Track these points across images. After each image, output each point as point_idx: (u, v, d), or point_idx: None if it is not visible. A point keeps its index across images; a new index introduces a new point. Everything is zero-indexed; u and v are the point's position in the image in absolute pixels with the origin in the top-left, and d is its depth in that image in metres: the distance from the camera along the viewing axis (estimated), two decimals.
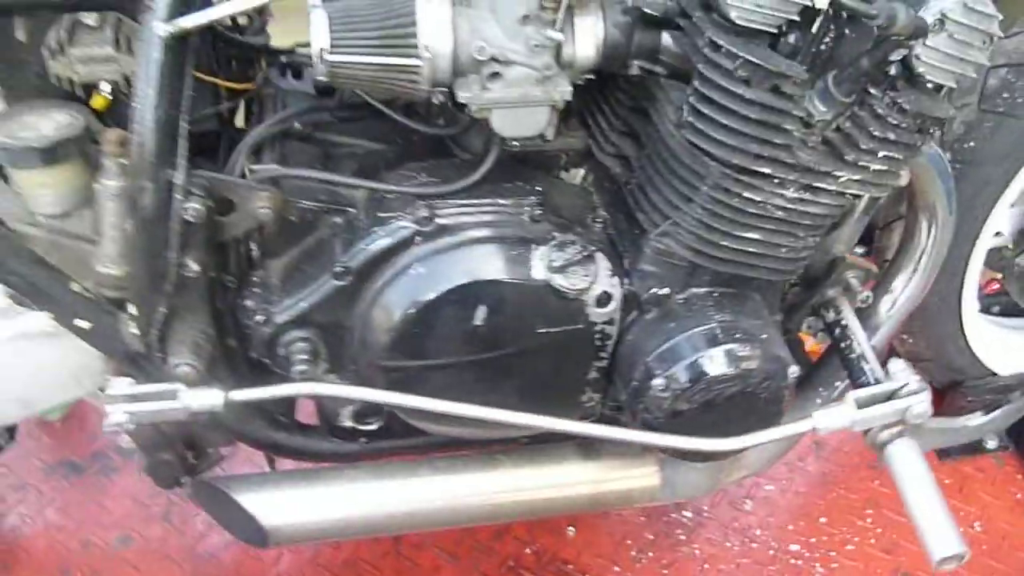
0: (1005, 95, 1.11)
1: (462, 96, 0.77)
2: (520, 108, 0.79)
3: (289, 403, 1.02)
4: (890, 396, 0.92)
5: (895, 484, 0.92)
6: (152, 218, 0.77)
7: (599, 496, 1.02)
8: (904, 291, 1.07)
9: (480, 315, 0.83)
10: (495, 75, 0.77)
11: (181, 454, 0.93)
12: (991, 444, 1.52)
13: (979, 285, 1.34)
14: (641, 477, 1.02)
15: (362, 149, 0.91)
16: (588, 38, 0.79)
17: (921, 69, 0.75)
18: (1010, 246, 1.34)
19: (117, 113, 0.85)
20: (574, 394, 0.92)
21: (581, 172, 0.95)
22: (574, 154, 0.93)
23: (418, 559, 1.30)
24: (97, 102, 0.85)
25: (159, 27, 0.72)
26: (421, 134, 0.90)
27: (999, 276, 1.41)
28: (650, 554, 1.30)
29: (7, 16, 0.80)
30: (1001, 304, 1.47)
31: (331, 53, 0.73)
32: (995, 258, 1.35)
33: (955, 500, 1.42)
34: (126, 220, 0.79)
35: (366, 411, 0.97)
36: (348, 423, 0.97)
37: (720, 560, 1.31)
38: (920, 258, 1.04)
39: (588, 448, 1.00)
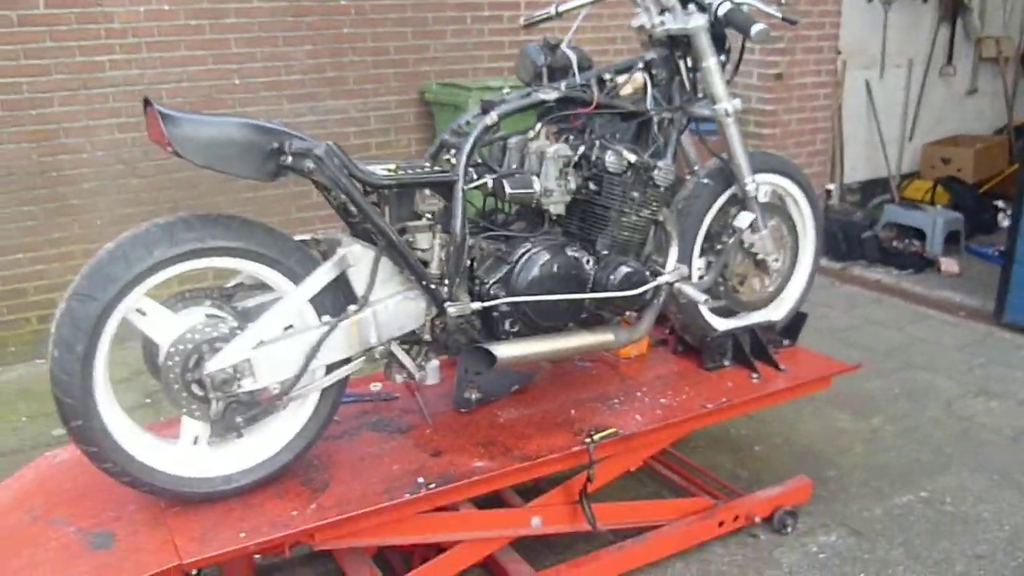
0: None
1: (544, 201, 2.68)
2: (559, 203, 2.72)
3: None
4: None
5: None
6: (458, 246, 2.55)
7: (593, 345, 2.83)
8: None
9: (559, 267, 2.68)
10: (549, 194, 2.69)
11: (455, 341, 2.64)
12: (727, 363, 3.45)
13: None
14: (606, 336, 2.85)
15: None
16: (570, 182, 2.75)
17: (659, 180, 2.78)
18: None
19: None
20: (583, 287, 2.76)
21: None
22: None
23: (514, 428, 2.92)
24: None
25: (462, 187, 2.55)
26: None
27: None
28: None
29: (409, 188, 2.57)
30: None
31: (511, 190, 2.62)
32: None
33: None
34: (441, 251, 2.58)
35: (515, 321, 2.71)
36: (506, 327, 2.70)
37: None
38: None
39: (590, 326, 2.83)
